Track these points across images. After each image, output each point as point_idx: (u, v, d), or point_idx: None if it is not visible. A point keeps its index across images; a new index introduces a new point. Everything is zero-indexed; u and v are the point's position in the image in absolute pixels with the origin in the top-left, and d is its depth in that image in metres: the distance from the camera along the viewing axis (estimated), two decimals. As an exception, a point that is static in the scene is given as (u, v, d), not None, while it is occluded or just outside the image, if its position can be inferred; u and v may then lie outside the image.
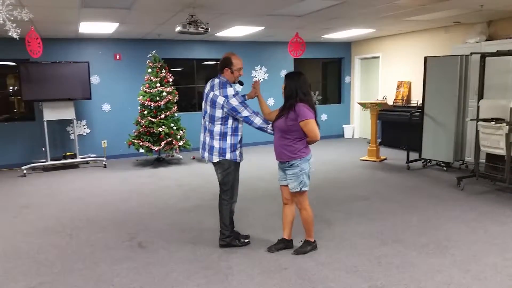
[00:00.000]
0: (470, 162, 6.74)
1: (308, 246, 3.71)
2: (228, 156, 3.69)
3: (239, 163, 3.82)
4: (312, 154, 3.58)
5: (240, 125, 3.75)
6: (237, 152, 3.75)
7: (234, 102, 3.59)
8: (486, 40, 6.97)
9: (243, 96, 3.81)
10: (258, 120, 3.67)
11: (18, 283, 3.29)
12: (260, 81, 3.78)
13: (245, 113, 3.63)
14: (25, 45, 5.81)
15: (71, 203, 5.56)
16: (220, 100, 3.60)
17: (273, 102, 9.88)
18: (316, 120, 3.45)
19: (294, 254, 3.67)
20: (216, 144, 3.68)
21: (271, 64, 10.09)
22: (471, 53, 6.34)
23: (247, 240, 3.94)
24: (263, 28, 7.62)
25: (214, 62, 9.55)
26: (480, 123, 5.46)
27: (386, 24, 7.75)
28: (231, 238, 3.86)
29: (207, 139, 3.73)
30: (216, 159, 3.71)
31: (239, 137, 3.77)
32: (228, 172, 3.74)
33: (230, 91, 3.62)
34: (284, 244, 3.77)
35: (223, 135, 3.67)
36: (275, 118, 3.56)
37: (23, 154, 8.09)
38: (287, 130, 3.44)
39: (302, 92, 3.44)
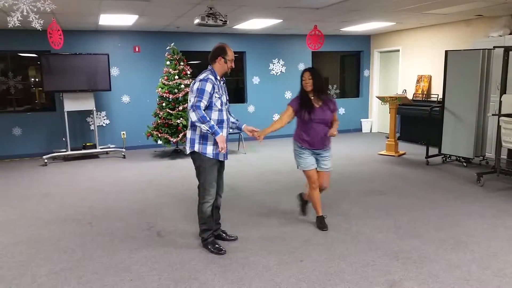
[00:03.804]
0: (490, 158, 6.61)
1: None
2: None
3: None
4: None
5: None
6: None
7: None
8: (510, 34, 6.80)
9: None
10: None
11: (41, 268, 3.38)
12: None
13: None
14: (47, 36, 5.91)
15: (90, 192, 5.67)
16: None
17: (290, 95, 9.85)
18: None
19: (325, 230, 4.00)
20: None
21: (289, 57, 10.03)
22: (494, 47, 6.20)
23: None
24: (281, 20, 7.58)
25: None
26: (502, 118, 5.34)
27: (406, 17, 7.63)
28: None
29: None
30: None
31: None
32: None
33: (208, 86, 3.31)
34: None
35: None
36: (310, 109, 3.82)
37: (44, 144, 8.27)
38: (329, 120, 3.88)
39: (325, 87, 3.98)
